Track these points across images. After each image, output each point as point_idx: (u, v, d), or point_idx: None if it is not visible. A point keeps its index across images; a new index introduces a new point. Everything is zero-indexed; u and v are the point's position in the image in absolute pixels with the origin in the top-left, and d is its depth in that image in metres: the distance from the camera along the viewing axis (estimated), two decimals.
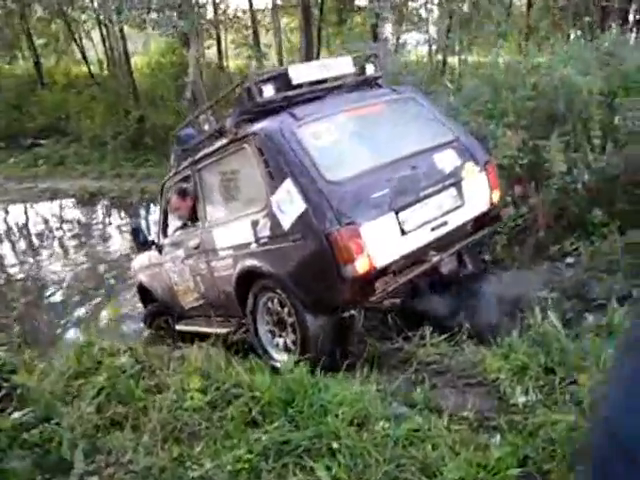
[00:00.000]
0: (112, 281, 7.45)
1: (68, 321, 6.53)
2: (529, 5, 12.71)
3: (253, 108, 3.95)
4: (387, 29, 15.40)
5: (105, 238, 9.73)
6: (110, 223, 11.13)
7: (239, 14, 15.76)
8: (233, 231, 4.06)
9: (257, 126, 3.80)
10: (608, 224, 4.89)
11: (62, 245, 9.80)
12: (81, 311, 6.77)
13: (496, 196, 4.24)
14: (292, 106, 4.10)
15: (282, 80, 3.99)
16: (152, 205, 11.43)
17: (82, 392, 2.96)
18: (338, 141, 3.72)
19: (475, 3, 12.63)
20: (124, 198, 12.12)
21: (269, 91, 3.88)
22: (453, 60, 14.32)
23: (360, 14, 18.75)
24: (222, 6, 14.96)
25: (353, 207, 3.41)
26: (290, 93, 3.99)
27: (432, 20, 15.61)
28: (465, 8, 13.04)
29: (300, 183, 3.44)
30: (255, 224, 3.77)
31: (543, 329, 3.37)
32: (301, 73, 4.05)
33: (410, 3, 16.05)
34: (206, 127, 4.55)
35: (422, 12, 16.12)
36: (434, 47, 14.83)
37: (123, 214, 11.44)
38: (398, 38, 15.42)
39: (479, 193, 4.11)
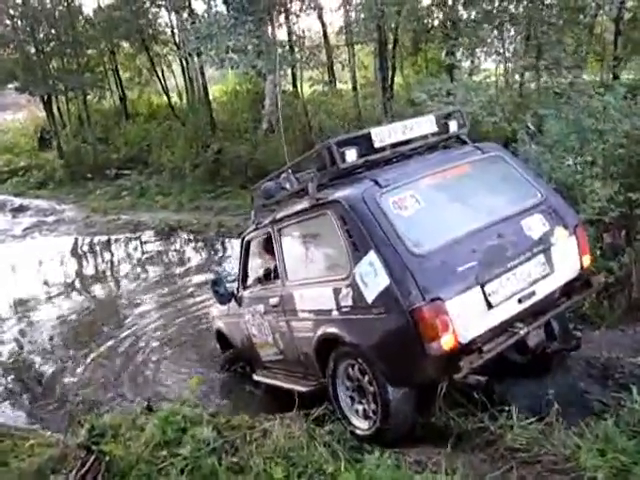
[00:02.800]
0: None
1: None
2: (617, 32, 12.02)
3: (336, 173, 3.96)
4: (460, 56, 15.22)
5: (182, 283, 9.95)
6: (188, 259, 11.39)
7: (314, 51, 15.95)
8: (314, 295, 4.05)
9: (339, 193, 3.79)
10: None
11: (142, 281, 10.15)
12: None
13: (587, 261, 4.04)
14: (373, 168, 4.10)
15: (364, 143, 3.97)
16: (228, 240, 11.67)
17: (166, 466, 2.99)
18: (422, 210, 3.64)
19: (553, 24, 12.09)
20: (202, 232, 12.40)
21: (351, 155, 3.85)
22: (530, 85, 13.94)
23: (434, 42, 18.63)
24: (298, 40, 15.18)
25: (438, 282, 3.33)
26: (373, 157, 3.97)
27: (508, 42, 15.29)
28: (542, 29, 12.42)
29: (384, 256, 3.39)
30: (337, 292, 3.75)
31: None
32: (384, 135, 4.01)
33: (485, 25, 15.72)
34: (287, 185, 4.59)
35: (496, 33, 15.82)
36: (510, 68, 14.42)
37: (201, 250, 11.73)
38: (473, 62, 15.17)
39: (569, 259, 3.93)
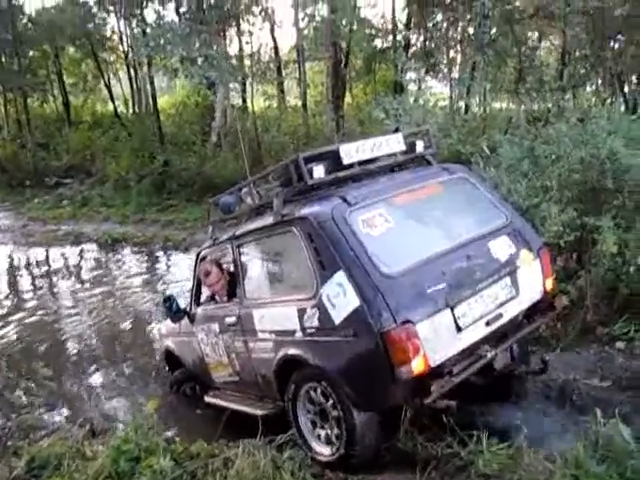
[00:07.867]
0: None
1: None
2: (563, 60, 12.31)
3: (302, 189, 3.84)
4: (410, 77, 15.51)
5: (123, 295, 9.48)
6: (131, 272, 10.86)
7: (267, 65, 15.87)
8: (276, 315, 3.89)
9: (307, 210, 3.66)
10: None
11: (82, 294, 9.65)
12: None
13: (549, 284, 4.05)
14: (340, 184, 3.99)
15: (331, 159, 3.86)
16: (175, 254, 11.31)
17: None
18: (392, 229, 3.56)
19: (498, 51, 12.35)
20: (147, 245, 11.96)
21: (319, 171, 3.75)
22: (475, 108, 14.31)
23: (386, 63, 18.96)
24: (251, 55, 15.07)
25: (409, 304, 3.23)
26: (341, 174, 3.87)
27: (455, 67, 15.74)
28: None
29: (354, 277, 3.28)
30: (301, 312, 3.60)
31: (610, 440, 3.15)
32: (352, 152, 3.91)
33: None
34: (249, 200, 4.44)
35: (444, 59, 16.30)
36: (455, 92, 14.77)
37: (146, 264, 11.25)
38: (420, 86, 15.47)
39: (533, 282, 3.92)
